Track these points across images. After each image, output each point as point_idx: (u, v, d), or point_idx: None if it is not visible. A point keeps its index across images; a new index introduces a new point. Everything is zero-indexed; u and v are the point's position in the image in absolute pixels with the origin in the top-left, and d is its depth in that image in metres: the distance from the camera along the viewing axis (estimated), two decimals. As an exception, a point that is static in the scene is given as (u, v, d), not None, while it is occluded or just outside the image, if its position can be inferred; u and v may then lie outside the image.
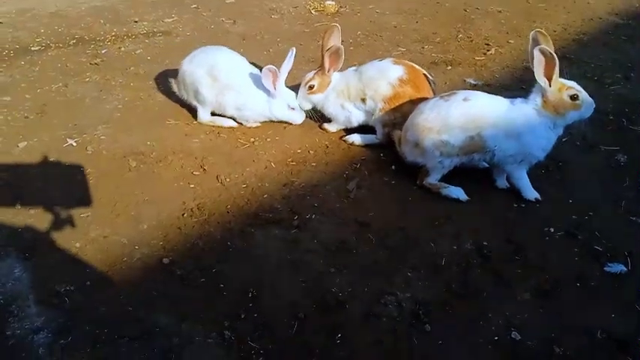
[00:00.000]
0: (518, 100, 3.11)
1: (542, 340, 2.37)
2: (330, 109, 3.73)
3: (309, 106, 3.77)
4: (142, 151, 3.53)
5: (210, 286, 2.57)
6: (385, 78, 3.53)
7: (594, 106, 3.04)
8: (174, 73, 4.52)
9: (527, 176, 3.16)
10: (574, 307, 2.52)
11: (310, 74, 3.70)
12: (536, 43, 3.00)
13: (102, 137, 3.69)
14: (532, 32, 3.05)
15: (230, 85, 3.71)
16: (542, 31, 3.01)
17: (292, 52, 3.70)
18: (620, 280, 2.65)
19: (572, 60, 4.81)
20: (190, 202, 3.10)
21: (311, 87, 3.67)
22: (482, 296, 2.56)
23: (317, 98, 3.71)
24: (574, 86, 3.01)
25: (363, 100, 3.59)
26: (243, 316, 2.43)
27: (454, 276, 2.67)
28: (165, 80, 4.41)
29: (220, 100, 3.74)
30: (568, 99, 2.98)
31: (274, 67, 3.54)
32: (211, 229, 2.92)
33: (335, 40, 3.66)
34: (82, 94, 4.23)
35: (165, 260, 2.70)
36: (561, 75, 3.01)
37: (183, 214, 3.01)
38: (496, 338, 2.37)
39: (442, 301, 2.53)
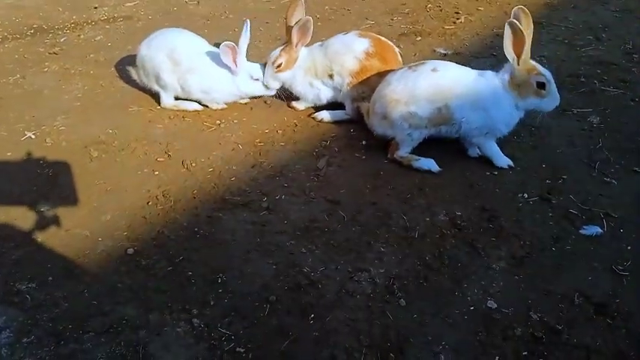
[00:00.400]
0: (489, 72, 3.06)
1: (518, 307, 2.32)
2: (298, 88, 3.62)
3: (277, 85, 3.64)
4: (103, 140, 3.40)
5: (177, 275, 2.48)
6: (351, 52, 3.42)
7: (558, 103, 2.98)
8: (135, 58, 4.38)
9: (496, 144, 3.10)
10: (550, 272, 2.48)
11: (276, 52, 3.56)
12: (516, 18, 2.88)
13: (61, 128, 3.54)
14: (515, 8, 2.95)
15: (193, 69, 3.58)
16: (524, 8, 2.91)
17: (247, 25, 3.56)
18: (596, 242, 2.62)
19: (544, 24, 4.74)
20: (155, 190, 2.99)
21: (279, 65, 3.53)
22: (457, 267, 2.51)
23: (285, 76, 3.58)
24: (545, 74, 2.93)
25: (331, 76, 3.49)
26: (212, 303, 2.35)
27: (428, 248, 2.61)
28: (127, 66, 4.26)
29: (183, 84, 3.61)
30: (534, 84, 2.92)
31: (231, 42, 3.41)
32: (177, 216, 2.82)
33: (299, 15, 3.53)
34: (40, 85, 4.07)
35: (130, 251, 2.60)
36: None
37: (147, 203, 2.91)
38: (472, 308, 2.32)
39: (416, 275, 2.47)
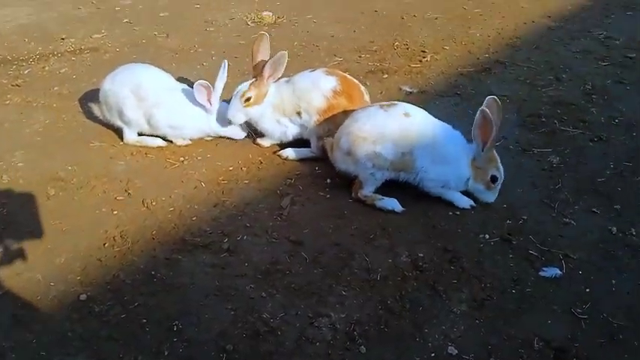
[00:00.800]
0: (458, 133, 3.11)
1: (479, 353, 2.31)
2: (265, 125, 3.60)
3: (242, 120, 3.59)
4: (62, 177, 3.32)
5: (131, 321, 2.40)
6: (318, 89, 3.44)
7: (492, 202, 3.13)
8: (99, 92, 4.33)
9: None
10: (510, 315, 2.48)
11: (244, 85, 3.50)
12: (488, 107, 2.93)
13: (19, 164, 3.46)
14: (488, 97, 3.01)
15: (160, 104, 3.55)
16: (497, 99, 2.98)
17: (224, 65, 3.58)
18: (555, 285, 2.64)
19: (506, 64, 4.86)
20: (112, 230, 2.92)
21: (248, 99, 3.48)
22: (419, 311, 2.49)
23: (253, 112, 3.53)
24: (501, 172, 3.06)
25: (299, 114, 3.49)
26: (166, 353, 2.27)
27: (390, 291, 2.59)
28: (91, 99, 4.20)
29: (150, 119, 3.58)
30: (489, 175, 3.04)
31: (206, 81, 3.41)
32: (134, 258, 2.74)
33: (264, 49, 3.55)
34: (0, 118, 3.97)
35: (83, 296, 2.51)
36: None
37: (104, 244, 2.83)
38: (433, 355, 2.30)
39: (377, 320, 2.44)
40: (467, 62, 4.90)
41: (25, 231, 2.90)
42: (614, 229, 2.96)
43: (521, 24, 5.78)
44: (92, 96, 4.21)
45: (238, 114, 3.54)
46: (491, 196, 3.13)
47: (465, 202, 3.11)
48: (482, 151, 3.01)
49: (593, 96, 4.28)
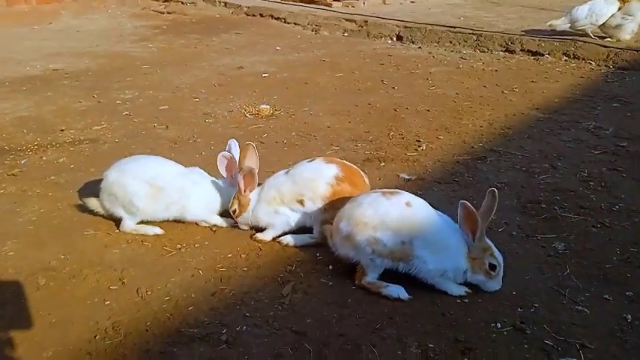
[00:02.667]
0: (456, 226, 3.04)
1: None
2: (264, 220, 3.55)
3: (246, 227, 3.63)
4: (53, 267, 3.20)
5: (120, 422, 2.20)
6: (322, 178, 3.44)
7: (498, 288, 3.05)
8: (97, 180, 4.31)
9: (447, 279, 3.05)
10: (531, 412, 2.30)
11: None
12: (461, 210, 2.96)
13: (10, 254, 3.34)
14: (489, 190, 2.99)
15: (184, 190, 3.57)
16: (495, 191, 2.95)
17: (235, 143, 3.71)
18: (575, 377, 2.48)
19: (500, 153, 4.94)
20: (104, 322, 2.76)
21: (234, 212, 3.56)
22: (433, 408, 2.31)
23: (244, 218, 3.58)
24: (498, 258, 3.02)
25: (301, 202, 3.45)
26: None
27: (400, 386, 2.41)
28: (88, 188, 4.17)
29: (181, 209, 3.59)
30: (487, 264, 3.00)
31: (228, 153, 3.47)
32: (126, 352, 2.57)
33: (251, 159, 3.58)
34: (-7, 208, 3.91)
35: (70, 394, 2.32)
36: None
37: (95, 337, 2.66)
38: None
39: (389, 418, 2.25)
40: (462, 151, 4.98)
41: (11, 323, 2.73)
42: (629, 316, 2.85)
43: (510, 115, 5.96)
44: (89, 184, 4.20)
45: (242, 225, 3.64)
46: (495, 285, 3.04)
47: (459, 291, 3.02)
48: (474, 242, 2.97)
49: (591, 183, 4.31)
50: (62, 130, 5.49)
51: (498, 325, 2.80)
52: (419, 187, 4.25)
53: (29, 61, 8.54)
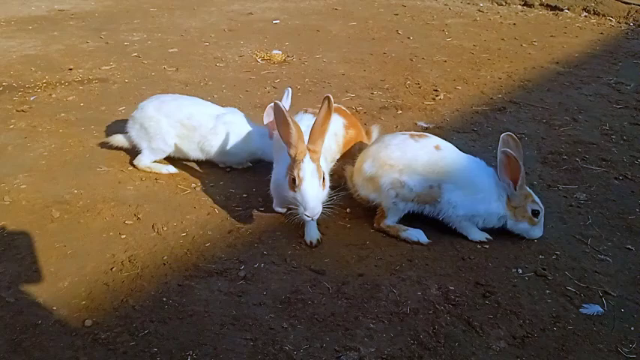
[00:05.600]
0: (491, 169, 2.97)
1: (524, 394, 2.09)
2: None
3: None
4: (67, 200, 3.14)
5: (140, 351, 2.17)
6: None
7: (541, 235, 2.98)
8: (108, 118, 4.23)
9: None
10: (554, 354, 2.27)
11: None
12: (505, 145, 2.89)
13: (22, 186, 3.27)
14: (503, 135, 2.93)
15: (216, 131, 3.47)
16: (513, 135, 2.91)
17: (289, 92, 3.54)
18: (598, 322, 2.44)
19: (520, 104, 4.82)
20: (121, 255, 2.72)
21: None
22: (455, 347, 2.28)
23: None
24: (540, 204, 2.94)
25: None
26: (179, 385, 2.04)
27: (422, 325, 2.38)
28: (99, 126, 4.08)
29: (203, 146, 3.49)
30: (529, 211, 2.92)
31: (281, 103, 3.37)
32: (144, 283, 2.53)
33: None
34: (3, 142, 3.82)
35: (88, 322, 2.29)
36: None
37: (111, 269, 2.62)
38: (473, 395, 2.08)
39: (411, 355, 2.23)
40: (480, 101, 4.85)
41: (26, 253, 2.69)
42: (652, 266, 2.81)
43: (530, 68, 5.80)
44: (100, 122, 4.11)
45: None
46: (538, 231, 2.97)
47: (480, 236, 2.97)
48: (515, 190, 2.89)
49: (612, 136, 4.22)
50: (70, 69, 5.36)
51: (519, 270, 2.75)
52: (437, 135, 4.10)
53: (34, 1, 8.31)
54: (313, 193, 2.57)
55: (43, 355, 2.13)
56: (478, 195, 2.90)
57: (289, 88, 3.55)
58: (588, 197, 3.41)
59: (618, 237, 3.04)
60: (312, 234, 2.90)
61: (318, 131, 2.64)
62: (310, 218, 2.59)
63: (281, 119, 2.60)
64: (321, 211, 2.60)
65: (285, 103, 3.46)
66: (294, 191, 2.59)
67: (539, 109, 4.73)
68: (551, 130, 4.33)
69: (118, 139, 3.61)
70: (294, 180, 2.58)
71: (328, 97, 2.59)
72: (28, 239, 2.80)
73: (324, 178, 2.66)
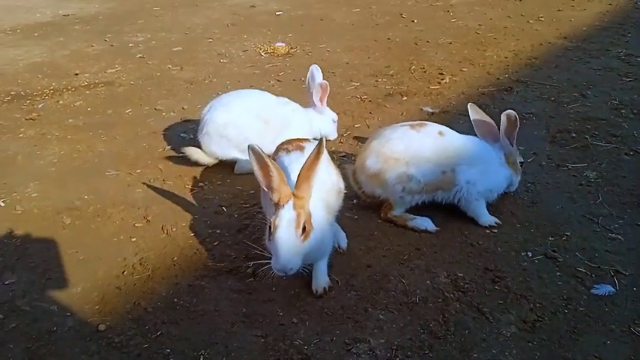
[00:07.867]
0: (484, 142, 3.07)
1: (535, 378, 2.09)
2: None
3: None
4: (77, 207, 3.19)
5: (153, 352, 2.21)
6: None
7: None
8: (116, 122, 4.27)
9: (484, 204, 2.99)
10: (565, 337, 2.26)
11: None
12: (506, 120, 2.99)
13: (33, 195, 3.33)
14: (503, 113, 2.99)
15: (289, 122, 3.57)
16: (512, 113, 2.97)
17: (317, 69, 3.80)
18: (610, 303, 2.42)
19: (527, 83, 4.76)
20: (131, 258, 2.76)
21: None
22: (464, 334, 2.28)
23: None
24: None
25: None
26: (193, 385, 2.08)
27: (431, 314, 2.38)
28: (107, 130, 4.12)
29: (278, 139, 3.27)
30: (518, 163, 3.11)
31: (325, 81, 3.66)
32: (155, 285, 2.57)
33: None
34: (14, 151, 3.89)
35: (102, 327, 2.34)
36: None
37: (123, 272, 2.66)
38: (485, 382, 2.09)
39: (420, 344, 2.24)
40: (487, 82, 4.80)
41: (39, 261, 2.75)
42: (665, 243, 2.77)
43: (537, 45, 5.71)
44: (108, 125, 4.15)
45: None
46: (517, 181, 3.16)
47: (489, 220, 2.97)
48: (512, 146, 3.04)
49: (622, 111, 4.15)
50: (76, 74, 5.41)
51: (529, 253, 2.74)
52: (443, 120, 4.11)
53: (39, 7, 8.38)
54: (286, 245, 2.17)
55: (59, 361, 2.18)
56: (490, 167, 2.99)
57: (315, 66, 3.80)
58: (598, 175, 3.36)
59: (629, 214, 3.00)
60: (320, 281, 2.52)
61: (304, 175, 2.26)
62: (283, 275, 2.21)
63: (260, 162, 2.28)
64: (297, 268, 2.21)
65: (317, 77, 3.72)
66: (269, 239, 2.26)
67: (547, 86, 4.66)
68: (560, 107, 4.27)
69: (197, 154, 3.47)
70: (269, 227, 2.26)
71: (321, 141, 2.26)
72: (40, 247, 2.86)
73: (304, 228, 2.22)
